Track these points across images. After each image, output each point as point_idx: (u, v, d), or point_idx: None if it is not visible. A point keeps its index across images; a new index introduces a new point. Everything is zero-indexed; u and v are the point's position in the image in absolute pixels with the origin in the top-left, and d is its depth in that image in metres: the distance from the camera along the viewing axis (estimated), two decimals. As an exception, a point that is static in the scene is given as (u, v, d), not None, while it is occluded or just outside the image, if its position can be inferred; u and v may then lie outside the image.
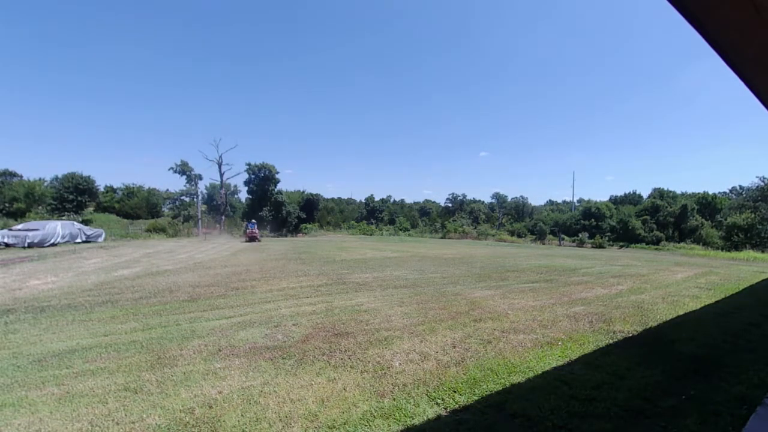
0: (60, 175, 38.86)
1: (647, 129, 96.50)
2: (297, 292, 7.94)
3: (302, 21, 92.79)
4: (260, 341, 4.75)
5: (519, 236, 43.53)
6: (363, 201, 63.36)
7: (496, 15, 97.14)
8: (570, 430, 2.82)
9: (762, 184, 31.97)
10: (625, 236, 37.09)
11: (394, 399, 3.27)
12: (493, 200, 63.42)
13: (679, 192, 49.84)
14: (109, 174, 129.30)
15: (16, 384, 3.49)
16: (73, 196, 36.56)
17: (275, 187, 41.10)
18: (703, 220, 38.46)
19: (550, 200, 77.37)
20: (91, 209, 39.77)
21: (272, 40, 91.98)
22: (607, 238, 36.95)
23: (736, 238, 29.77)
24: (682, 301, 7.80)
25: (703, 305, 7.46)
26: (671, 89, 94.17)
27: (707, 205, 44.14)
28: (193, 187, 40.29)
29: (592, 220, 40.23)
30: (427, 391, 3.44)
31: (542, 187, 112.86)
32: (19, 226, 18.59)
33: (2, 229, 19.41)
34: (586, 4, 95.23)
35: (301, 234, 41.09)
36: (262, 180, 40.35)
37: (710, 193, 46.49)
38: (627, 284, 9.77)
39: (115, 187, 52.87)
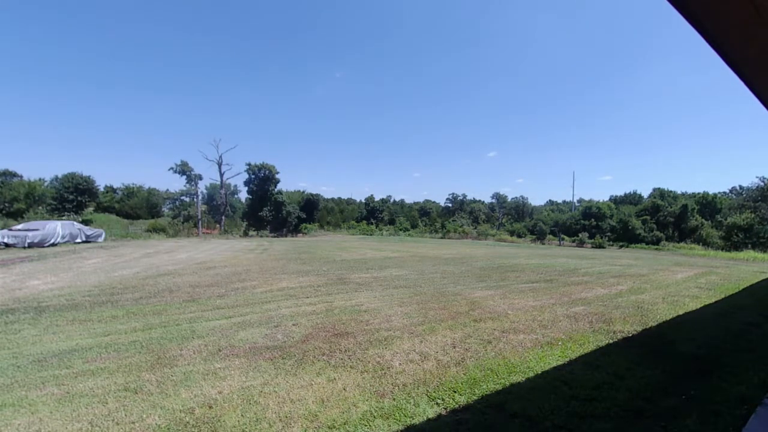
0: (60, 175, 38.90)
1: (647, 129, 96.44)
2: (297, 292, 7.94)
3: (303, 24, 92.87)
4: (260, 341, 4.75)
5: (519, 236, 43.52)
6: (363, 201, 63.29)
7: (495, 20, 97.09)
8: (570, 430, 2.82)
9: (762, 184, 32.00)
10: (625, 236, 37.07)
11: (394, 399, 3.27)
12: (493, 200, 63.39)
13: (679, 192, 50.00)
14: (109, 174, 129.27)
15: (16, 384, 3.48)
16: (73, 196, 36.56)
17: (275, 187, 41.04)
18: (703, 220, 38.47)
19: (550, 200, 77.49)
20: (91, 209, 39.75)
21: (273, 43, 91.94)
22: (607, 238, 36.93)
23: (736, 238, 29.75)
24: (682, 301, 7.80)
25: (703, 305, 7.46)
26: (671, 90, 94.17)
27: (707, 205, 44.19)
28: (193, 187, 40.23)
29: (592, 220, 40.22)
30: (427, 391, 3.44)
31: (542, 187, 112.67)
32: (19, 226, 18.57)
33: (2, 229, 19.41)
34: (586, 5, 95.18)
35: (301, 234, 41.08)
36: (262, 180, 40.29)
37: (710, 193, 46.62)
38: (627, 284, 9.77)
39: (115, 187, 53.01)
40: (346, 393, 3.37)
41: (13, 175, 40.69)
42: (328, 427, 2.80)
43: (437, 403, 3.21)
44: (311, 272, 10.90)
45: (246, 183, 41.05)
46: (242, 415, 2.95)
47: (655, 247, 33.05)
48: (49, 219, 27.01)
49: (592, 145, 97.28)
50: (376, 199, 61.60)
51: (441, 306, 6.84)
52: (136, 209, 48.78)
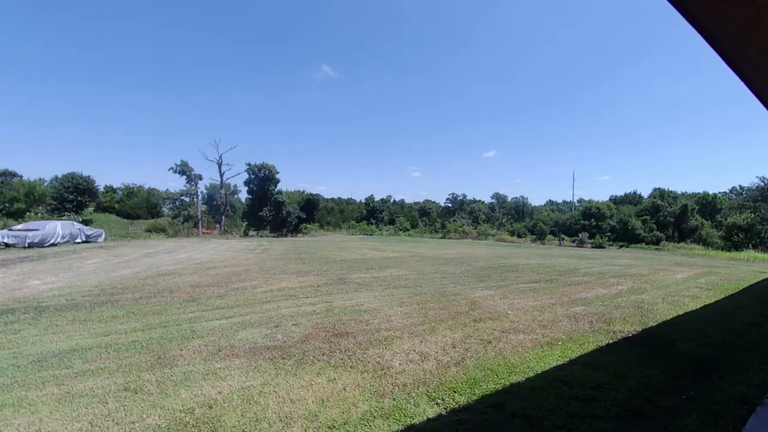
0: (60, 175, 38.96)
1: (647, 129, 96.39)
2: (297, 292, 7.94)
3: (303, 24, 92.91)
4: (260, 341, 4.75)
5: (519, 236, 43.53)
6: (363, 201, 63.27)
7: (496, 20, 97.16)
8: (570, 430, 2.82)
9: (762, 184, 31.98)
10: (625, 236, 37.08)
11: (394, 399, 3.27)
12: (493, 200, 63.37)
13: (679, 192, 49.91)
14: (109, 174, 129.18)
15: (16, 384, 3.48)
16: (73, 196, 36.63)
17: (275, 187, 41.02)
18: (703, 220, 38.49)
19: (550, 200, 77.55)
20: (91, 209, 39.75)
21: (273, 43, 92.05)
22: (607, 238, 36.93)
23: (736, 238, 29.77)
24: (682, 301, 7.80)
25: (703, 305, 7.46)
26: (671, 89, 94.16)
27: (707, 205, 44.20)
28: (193, 187, 40.25)
29: (592, 220, 40.21)
30: (427, 391, 3.44)
31: (542, 187, 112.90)
32: (19, 226, 18.56)
33: (2, 229, 19.41)
34: (586, 4, 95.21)
35: (301, 234, 41.07)
36: (262, 180, 40.27)
37: (710, 193, 46.61)
38: (627, 284, 9.77)
39: (115, 187, 53.00)
40: (346, 393, 3.37)
41: (13, 175, 40.75)
42: (328, 427, 2.80)
43: (437, 403, 3.21)
44: (311, 272, 10.90)
45: (246, 183, 41.05)
46: (242, 415, 2.95)
47: (655, 247, 33.06)
48: (49, 219, 26.98)
49: (591, 145, 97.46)
50: (376, 199, 61.63)
51: (441, 306, 6.84)
52: (136, 209, 48.79)
